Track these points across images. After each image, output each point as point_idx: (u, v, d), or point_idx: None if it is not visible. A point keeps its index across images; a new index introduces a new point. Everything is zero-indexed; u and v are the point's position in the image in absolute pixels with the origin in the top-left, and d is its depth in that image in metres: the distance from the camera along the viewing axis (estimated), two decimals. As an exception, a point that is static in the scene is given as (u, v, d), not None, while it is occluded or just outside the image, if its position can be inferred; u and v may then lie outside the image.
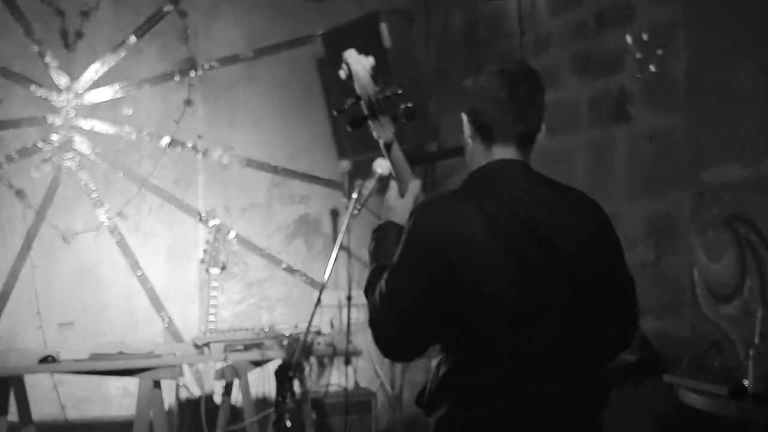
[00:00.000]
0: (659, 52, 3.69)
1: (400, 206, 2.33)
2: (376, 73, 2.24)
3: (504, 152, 2.17)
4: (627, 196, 3.90)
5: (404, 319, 2.05)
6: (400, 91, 2.28)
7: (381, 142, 2.31)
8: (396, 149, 2.34)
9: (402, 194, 2.35)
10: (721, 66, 3.41)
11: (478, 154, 2.22)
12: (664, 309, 3.70)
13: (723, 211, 3.39)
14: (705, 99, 3.50)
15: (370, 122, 2.29)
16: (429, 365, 5.88)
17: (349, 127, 2.32)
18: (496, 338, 2.00)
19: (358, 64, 2.22)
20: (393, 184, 2.37)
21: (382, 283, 2.08)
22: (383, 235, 2.31)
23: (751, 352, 2.93)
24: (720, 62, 3.42)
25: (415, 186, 2.34)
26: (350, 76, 2.25)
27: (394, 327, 2.07)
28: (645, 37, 3.73)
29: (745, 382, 2.92)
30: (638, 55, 3.78)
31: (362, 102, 2.25)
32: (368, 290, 2.19)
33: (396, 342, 2.11)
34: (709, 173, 3.45)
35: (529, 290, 1.99)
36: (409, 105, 2.30)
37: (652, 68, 3.72)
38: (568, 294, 2.03)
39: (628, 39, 3.80)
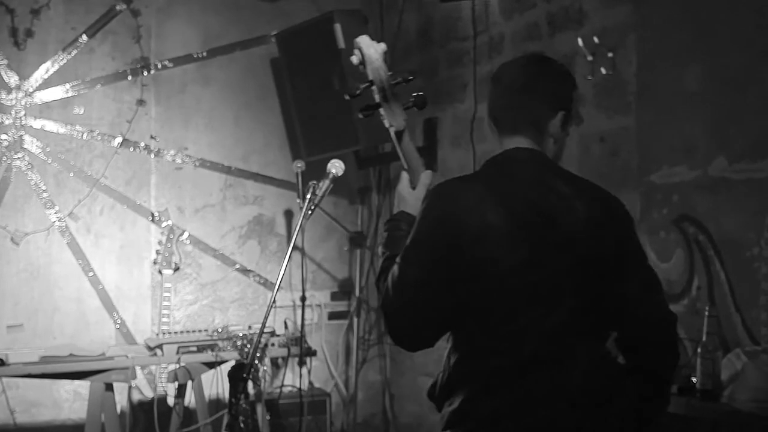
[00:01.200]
0: (610, 54, 3.74)
1: (412, 196, 2.30)
2: (389, 59, 2.26)
3: (514, 141, 2.20)
4: (578, 197, 3.94)
5: (416, 303, 2.04)
6: (411, 77, 2.28)
7: (392, 131, 2.28)
8: (407, 138, 2.31)
9: (413, 185, 2.32)
10: (670, 69, 3.47)
11: (496, 147, 2.26)
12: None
13: (672, 211, 3.45)
14: (655, 101, 3.56)
15: (381, 109, 2.27)
16: (384, 365, 5.92)
17: (361, 113, 2.30)
18: (506, 321, 2.02)
19: (371, 48, 2.22)
20: (404, 175, 2.34)
21: (395, 268, 2.08)
22: (395, 225, 2.29)
23: (699, 350, 2.98)
24: (669, 65, 3.47)
25: (426, 176, 2.31)
26: (362, 62, 2.24)
27: (406, 311, 2.06)
28: (596, 39, 3.78)
29: (693, 380, 2.98)
30: (589, 58, 3.83)
31: (375, 87, 2.24)
32: (380, 278, 2.18)
33: (407, 328, 2.10)
34: (659, 174, 3.51)
35: (540, 272, 2.02)
36: (420, 93, 2.29)
37: (603, 71, 3.77)
38: (577, 281, 2.05)
39: (580, 42, 3.84)
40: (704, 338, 2.97)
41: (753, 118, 3.12)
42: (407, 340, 2.14)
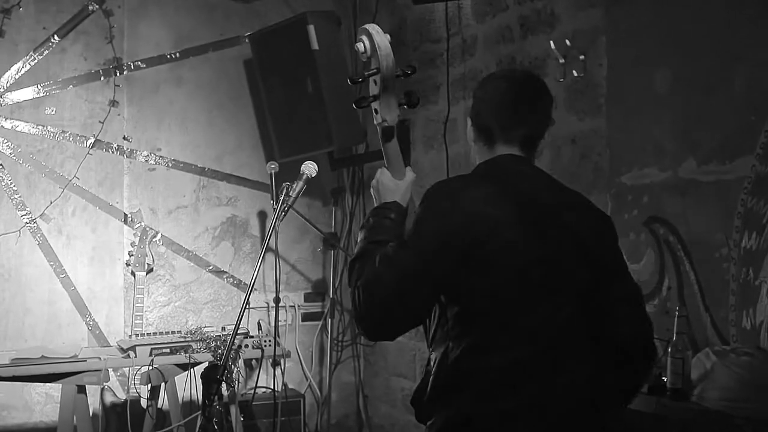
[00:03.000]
0: (581, 57, 3.77)
1: (400, 188, 2.29)
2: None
3: (507, 149, 2.24)
4: (550, 198, 3.97)
5: (409, 291, 2.01)
6: (411, 71, 2.28)
7: (384, 125, 2.24)
8: (395, 135, 2.29)
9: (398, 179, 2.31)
10: (640, 72, 3.50)
11: (482, 155, 2.28)
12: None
13: (642, 212, 3.49)
14: (625, 103, 3.60)
15: (378, 101, 2.23)
16: (357, 366, 5.90)
17: (355, 105, 2.27)
18: (524, 312, 2.04)
19: (381, 35, 2.20)
20: (384, 171, 2.32)
21: (387, 250, 2.05)
22: (384, 212, 2.26)
23: (669, 350, 3.01)
24: (639, 68, 3.51)
25: (411, 173, 2.32)
26: (370, 48, 2.20)
27: (394, 293, 2.01)
28: (567, 42, 3.81)
29: (664, 379, 3.01)
30: (561, 60, 3.86)
31: (379, 76, 2.20)
32: (359, 261, 2.12)
33: (388, 311, 2.03)
34: (629, 176, 3.54)
35: (551, 268, 2.06)
36: (413, 91, 2.27)
37: (574, 73, 3.80)
38: (586, 277, 2.12)
39: (551, 44, 3.87)
40: (674, 338, 3.00)
41: (721, 121, 3.16)
42: (383, 323, 2.07)
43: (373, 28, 2.20)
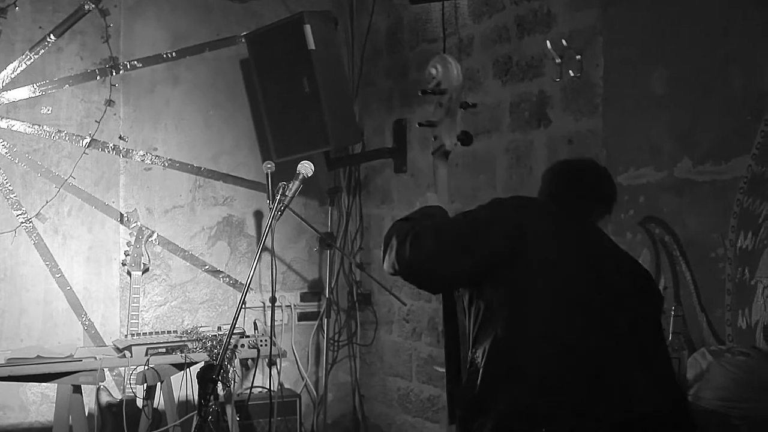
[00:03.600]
0: (578, 57, 3.77)
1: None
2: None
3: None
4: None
5: (455, 245, 2.15)
6: (474, 105, 2.45)
7: (442, 149, 2.41)
8: (447, 160, 2.45)
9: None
10: (636, 72, 3.51)
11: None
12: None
13: (638, 212, 3.49)
14: (621, 104, 3.60)
15: (440, 126, 2.39)
16: (354, 366, 5.91)
17: (419, 124, 2.48)
18: (565, 313, 2.10)
19: (454, 64, 2.35)
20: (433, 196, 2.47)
21: (437, 220, 2.26)
22: (431, 208, 2.39)
23: (664, 349, 3.02)
24: (636, 68, 3.51)
25: (457, 205, 2.53)
26: (441, 72, 2.35)
27: (443, 248, 2.15)
28: (564, 42, 3.81)
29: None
30: (557, 60, 3.86)
31: (446, 97, 2.35)
32: (413, 219, 2.30)
33: (435, 258, 2.16)
34: (626, 176, 3.55)
35: (600, 295, 2.15)
36: (467, 131, 2.42)
37: (571, 73, 3.80)
38: (629, 318, 2.18)
39: (548, 44, 3.88)
40: (670, 338, 3.01)
41: (717, 121, 3.16)
42: (432, 274, 2.20)
43: (450, 57, 2.37)
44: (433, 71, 2.35)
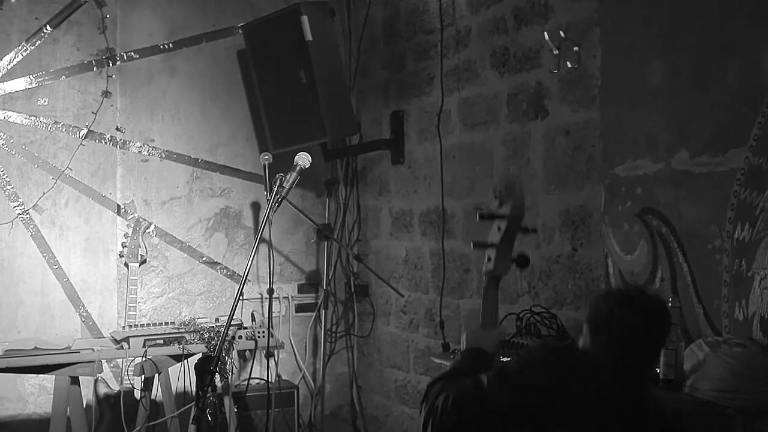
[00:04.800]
0: (575, 48, 3.77)
1: (487, 342, 2.37)
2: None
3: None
4: (543, 189, 3.98)
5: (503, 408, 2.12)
6: (533, 230, 2.43)
7: (494, 273, 2.34)
8: (498, 286, 2.38)
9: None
10: (634, 63, 3.50)
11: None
12: (579, 299, 3.79)
13: (635, 204, 3.49)
14: (619, 95, 3.60)
15: (495, 249, 2.33)
16: (351, 357, 5.91)
17: (474, 246, 2.43)
18: None
19: (522, 188, 2.41)
20: (477, 331, 2.40)
21: (476, 382, 2.17)
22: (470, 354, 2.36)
23: (661, 341, 3.02)
24: (633, 60, 3.51)
25: (501, 331, 2.47)
26: (504, 194, 2.32)
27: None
28: (562, 34, 3.81)
29: (657, 369, 3.02)
30: (555, 52, 3.86)
31: (506, 223, 2.29)
32: (444, 380, 2.26)
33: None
34: (623, 167, 3.55)
35: None
36: (525, 254, 2.38)
37: (568, 64, 3.80)
38: None
39: (545, 35, 3.87)
40: (667, 329, 3.01)
41: (714, 113, 3.16)
42: None
43: (518, 183, 2.45)
44: (497, 191, 2.34)
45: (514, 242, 2.34)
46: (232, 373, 4.46)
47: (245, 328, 4.56)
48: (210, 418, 4.20)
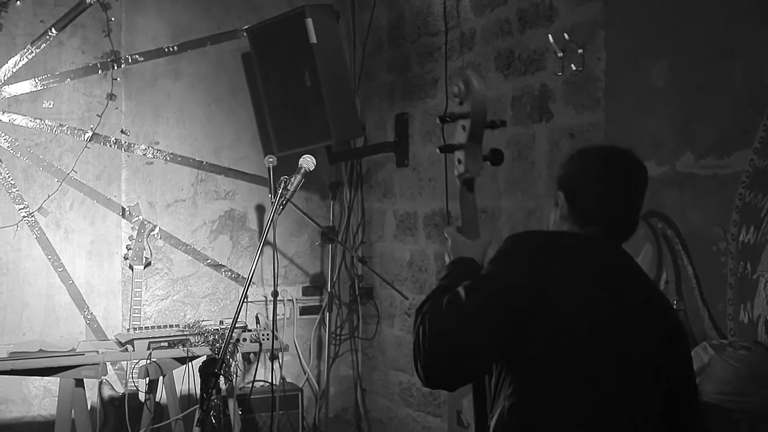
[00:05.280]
0: (580, 51, 3.76)
1: (477, 248, 2.19)
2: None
3: (598, 233, 2.14)
4: (548, 192, 3.97)
5: (466, 336, 1.91)
6: (502, 123, 2.21)
7: (465, 176, 2.17)
8: (473, 189, 2.21)
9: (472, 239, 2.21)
10: (638, 65, 3.50)
11: (569, 227, 2.17)
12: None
13: (640, 206, 3.49)
14: (623, 97, 3.59)
15: (463, 150, 2.16)
16: (355, 359, 5.90)
17: (440, 150, 2.25)
18: (579, 388, 1.96)
19: (480, 81, 2.12)
20: (452, 232, 2.23)
21: (457, 293, 1.96)
22: (459, 265, 2.16)
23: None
24: (637, 62, 3.50)
25: (488, 234, 2.22)
26: (464, 92, 2.13)
27: (463, 337, 1.91)
28: (566, 36, 3.80)
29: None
30: (559, 54, 3.85)
31: (470, 121, 2.12)
32: (429, 300, 2.06)
33: (457, 356, 1.92)
34: (627, 170, 3.54)
35: (624, 347, 1.99)
36: (498, 149, 2.19)
37: (573, 67, 3.80)
38: (652, 370, 2.05)
39: (550, 38, 3.87)
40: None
41: (719, 115, 3.15)
42: (451, 370, 1.96)
43: (473, 73, 2.14)
44: (455, 89, 2.15)
45: (482, 139, 2.16)
46: (236, 376, 4.47)
47: (250, 330, 4.57)
48: (214, 421, 4.20)
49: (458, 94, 2.15)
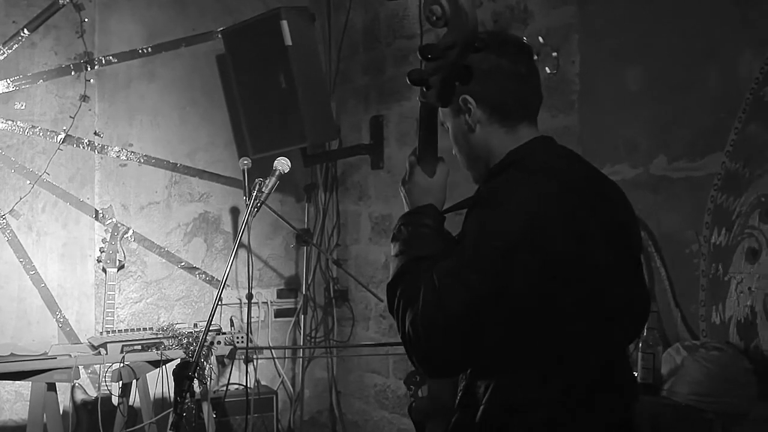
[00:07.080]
0: (554, 54, 3.78)
1: (434, 187, 1.98)
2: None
3: (532, 131, 2.01)
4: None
5: (473, 326, 1.70)
6: (485, 44, 1.85)
7: (430, 102, 1.91)
8: (436, 117, 1.96)
9: (428, 174, 2.00)
10: (613, 69, 3.53)
11: (497, 138, 1.97)
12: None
13: (614, 209, 3.51)
14: (597, 101, 3.62)
15: (435, 78, 1.86)
16: (330, 362, 5.87)
17: (409, 80, 1.90)
18: (586, 338, 1.82)
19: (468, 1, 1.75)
20: (415, 164, 2.01)
21: (438, 272, 1.74)
22: (419, 219, 1.92)
23: (639, 345, 3.04)
24: (612, 65, 3.53)
25: (444, 167, 2.01)
26: (447, 10, 1.77)
27: (455, 327, 1.70)
28: (541, 39, 3.83)
29: (635, 374, 3.03)
30: (534, 57, 3.87)
31: (453, 51, 1.79)
32: (404, 281, 1.83)
33: (453, 345, 1.73)
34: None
35: (621, 283, 1.88)
36: (469, 65, 1.84)
37: (547, 70, 3.82)
38: (636, 289, 1.97)
39: (525, 41, 3.88)
40: (645, 333, 3.03)
41: (692, 119, 3.19)
42: (447, 358, 1.77)
43: None
44: (437, 9, 1.77)
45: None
46: (210, 379, 4.44)
47: (224, 333, 4.54)
48: (188, 425, 4.17)
49: (440, 16, 1.78)
